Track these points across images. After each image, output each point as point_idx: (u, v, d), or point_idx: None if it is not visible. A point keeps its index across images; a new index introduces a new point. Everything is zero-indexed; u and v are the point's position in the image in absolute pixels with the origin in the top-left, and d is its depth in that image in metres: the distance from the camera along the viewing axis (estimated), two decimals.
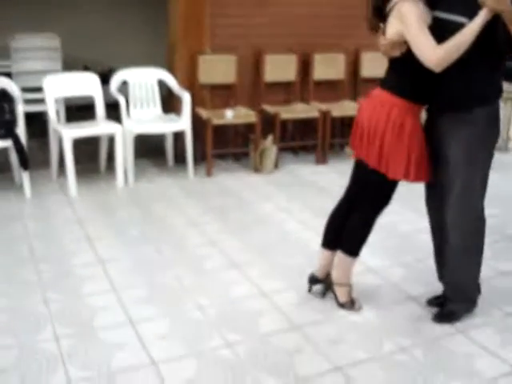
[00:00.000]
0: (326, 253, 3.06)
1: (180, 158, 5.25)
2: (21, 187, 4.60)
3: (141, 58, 6.01)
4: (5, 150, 4.64)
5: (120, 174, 4.76)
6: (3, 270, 3.41)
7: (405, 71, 2.65)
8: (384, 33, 2.67)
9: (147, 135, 5.03)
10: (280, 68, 5.49)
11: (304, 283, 3.17)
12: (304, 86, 5.67)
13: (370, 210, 2.89)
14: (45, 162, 5.04)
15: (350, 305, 3.03)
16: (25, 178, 4.49)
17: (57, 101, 5.07)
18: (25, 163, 4.42)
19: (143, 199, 4.56)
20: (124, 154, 4.74)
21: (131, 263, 3.51)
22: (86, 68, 6.53)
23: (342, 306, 3.04)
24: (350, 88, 5.83)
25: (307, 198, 4.44)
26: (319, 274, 3.11)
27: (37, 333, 2.79)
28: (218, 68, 5.29)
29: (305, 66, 5.63)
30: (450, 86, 2.63)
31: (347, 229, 2.95)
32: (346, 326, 2.90)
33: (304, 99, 5.67)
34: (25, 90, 5.28)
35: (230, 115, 5.10)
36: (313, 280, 3.14)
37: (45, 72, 5.29)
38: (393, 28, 2.60)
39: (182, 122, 4.96)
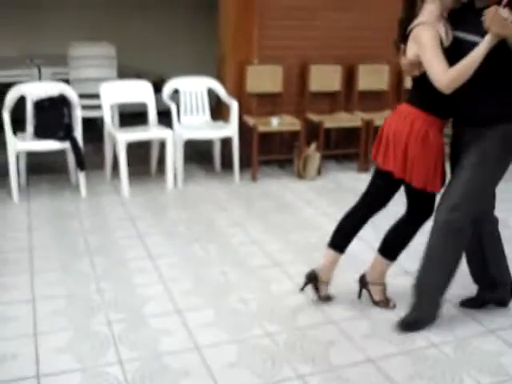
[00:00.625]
0: (333, 254, 3.13)
1: (226, 163, 5.48)
2: (77, 187, 4.90)
3: (190, 68, 6.27)
4: (62, 152, 4.95)
5: (170, 177, 5.01)
6: (62, 261, 3.68)
7: (426, 88, 2.73)
8: (404, 53, 2.80)
9: (196, 141, 5.27)
10: (325, 78, 5.67)
11: (341, 282, 3.33)
12: (348, 95, 5.85)
13: (419, 220, 3.02)
14: (99, 164, 5.32)
15: (385, 303, 3.17)
16: (81, 178, 4.78)
17: (111, 107, 5.35)
18: (81, 164, 4.71)
19: (191, 201, 4.80)
20: (174, 158, 4.99)
21: (179, 259, 3.73)
22: (138, 76, 6.77)
23: (376, 303, 3.18)
24: (394, 98, 5.96)
25: (348, 203, 4.54)
26: (322, 275, 3.15)
27: (91, 317, 3.03)
28: (265, 78, 5.51)
29: (349, 77, 5.81)
30: (471, 103, 2.73)
31: (393, 235, 3.10)
32: (380, 322, 3.05)
33: (348, 109, 5.84)
34: (81, 96, 5.59)
35: (275, 123, 5.30)
36: (311, 277, 3.17)
37: (100, 79, 5.61)
38: (411, 50, 2.73)
39: (230, 129, 5.18)
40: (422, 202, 2.98)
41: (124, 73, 6.42)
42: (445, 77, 2.58)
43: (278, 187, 5.20)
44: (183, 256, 3.77)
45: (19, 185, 4.81)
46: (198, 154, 5.74)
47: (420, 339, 2.90)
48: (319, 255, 3.73)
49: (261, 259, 3.75)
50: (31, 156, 5.10)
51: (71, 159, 4.97)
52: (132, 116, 5.86)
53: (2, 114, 4.61)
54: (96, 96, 5.33)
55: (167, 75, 5.99)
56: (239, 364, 2.67)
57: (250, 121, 5.35)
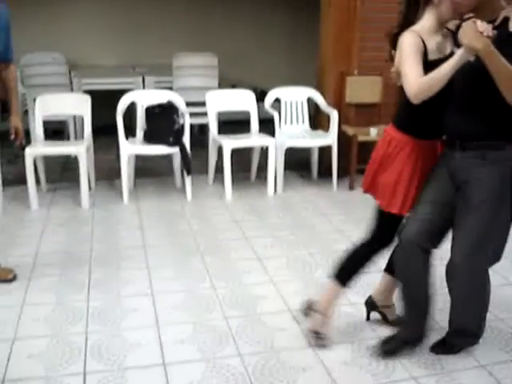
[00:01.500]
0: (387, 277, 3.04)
1: (324, 172, 5.60)
2: (181, 190, 5.15)
3: (287, 78, 6.44)
4: (168, 156, 5.20)
5: (271, 183, 5.18)
6: (175, 259, 3.89)
7: (408, 104, 2.50)
8: (393, 61, 2.65)
9: (293, 149, 5.40)
10: None
11: None
12: None
13: (376, 244, 2.86)
14: (201, 169, 5.54)
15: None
16: (187, 181, 5.01)
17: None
18: (189, 169, 4.94)
19: (291, 206, 4.94)
20: (275, 164, 5.15)
21: (286, 261, 3.87)
22: (232, 87, 7.02)
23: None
24: None
25: None
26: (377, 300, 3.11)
27: (208, 312, 3.21)
28: (364, 88, 5.59)
29: None
30: (468, 121, 2.52)
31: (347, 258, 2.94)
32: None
33: None
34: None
35: (374, 133, 5.37)
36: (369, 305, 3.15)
37: (202, 88, 5.86)
38: (396, 58, 2.58)
39: (330, 138, 5.29)
40: (382, 224, 2.81)
41: (220, 82, 6.67)
42: (414, 85, 2.41)
43: None
44: (290, 259, 3.90)
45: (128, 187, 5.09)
46: (295, 161, 5.87)
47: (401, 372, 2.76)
48: None
49: None
50: (137, 159, 5.37)
51: (177, 163, 5.22)
52: (224, 124, 6.02)
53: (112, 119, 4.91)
54: (198, 104, 5.57)
55: (262, 85, 6.18)
56: (353, 363, 2.77)
57: (349, 130, 5.44)
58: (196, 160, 5.46)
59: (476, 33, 2.21)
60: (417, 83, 2.40)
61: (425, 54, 2.48)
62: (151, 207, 4.88)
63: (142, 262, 3.81)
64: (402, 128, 2.66)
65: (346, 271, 2.89)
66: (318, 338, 2.90)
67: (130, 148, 4.94)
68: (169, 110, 5.08)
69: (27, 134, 4.61)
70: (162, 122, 4.97)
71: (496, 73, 2.28)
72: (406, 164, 2.64)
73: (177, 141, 4.93)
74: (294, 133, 5.50)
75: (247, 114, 5.47)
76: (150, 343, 2.91)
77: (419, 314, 2.80)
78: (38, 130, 5.06)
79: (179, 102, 5.18)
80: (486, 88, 2.36)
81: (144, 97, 5.27)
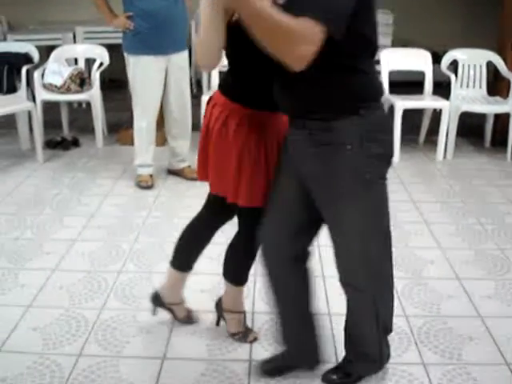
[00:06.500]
0: None
1: (498, 141, 5.33)
2: None
3: (462, 41, 6.13)
4: None
5: (441, 147, 5.04)
6: None
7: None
8: None
9: (466, 114, 5.18)
10: None
11: None
12: None
13: (245, 238, 2.39)
14: None
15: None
16: None
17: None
18: None
19: (461, 173, 4.79)
20: (447, 129, 4.99)
21: (454, 228, 3.78)
22: (403, 46, 6.75)
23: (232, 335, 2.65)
24: None
25: None
26: None
27: None
28: None
29: None
30: (292, 90, 1.90)
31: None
32: None
33: None
34: None
35: None
36: None
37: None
38: None
39: (508, 105, 5.02)
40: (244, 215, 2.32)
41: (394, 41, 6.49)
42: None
43: None
44: (459, 226, 3.81)
45: None
46: (468, 127, 5.64)
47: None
48: None
49: None
50: None
51: None
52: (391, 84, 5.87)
53: None
54: None
55: (434, 46, 5.92)
56: None
57: None
58: None
59: None
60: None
61: None
62: None
63: None
64: (224, 91, 2.19)
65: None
66: (243, 337, 2.63)
67: None
68: None
69: None
70: None
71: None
72: (244, 143, 2.14)
73: None
74: (470, 97, 5.28)
75: (416, 75, 5.32)
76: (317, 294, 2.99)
77: (293, 334, 2.34)
78: None
79: None
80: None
81: None
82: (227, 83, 2.18)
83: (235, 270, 2.50)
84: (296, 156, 2.00)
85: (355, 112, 1.85)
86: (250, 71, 2.04)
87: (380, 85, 1.98)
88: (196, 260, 2.57)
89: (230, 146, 2.10)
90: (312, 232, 2.19)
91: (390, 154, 2.02)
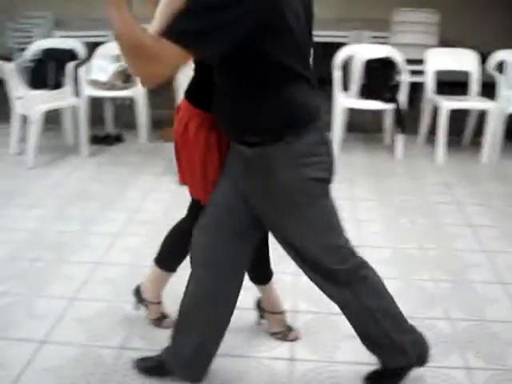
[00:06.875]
0: None
1: None
2: (390, 147, 5.10)
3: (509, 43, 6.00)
4: (377, 112, 5.16)
5: (487, 149, 4.95)
6: (382, 215, 3.92)
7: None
8: None
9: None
10: None
11: None
12: None
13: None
14: (411, 129, 5.43)
15: None
16: (399, 140, 4.96)
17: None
18: (403, 127, 4.87)
19: (506, 176, 4.70)
20: (494, 131, 4.90)
21: (500, 231, 3.71)
22: (449, 46, 6.64)
23: None
24: None
25: None
26: None
27: (416, 272, 3.20)
28: None
29: None
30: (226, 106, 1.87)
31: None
32: None
33: None
34: None
35: None
36: None
37: (420, 46, 5.68)
38: None
39: None
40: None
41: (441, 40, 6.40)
42: None
43: None
44: (505, 229, 3.74)
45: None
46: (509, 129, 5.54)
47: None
48: None
49: None
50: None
51: (388, 120, 5.17)
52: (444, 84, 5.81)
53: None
54: (413, 61, 5.41)
55: (480, 47, 5.81)
56: None
57: None
58: (410, 119, 5.38)
59: None
60: None
61: None
62: (359, 161, 4.91)
63: (351, 215, 3.88)
64: (186, 94, 2.22)
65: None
66: (284, 336, 2.64)
67: (346, 101, 4.97)
68: (387, 65, 5.02)
69: None
70: (379, 78, 4.94)
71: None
72: (206, 142, 2.16)
73: (393, 98, 4.87)
74: None
75: (461, 75, 5.23)
76: None
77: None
78: None
79: (398, 58, 5.08)
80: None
81: (363, 51, 5.24)
82: (190, 89, 2.20)
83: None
84: (234, 171, 2.00)
85: (281, 138, 1.79)
86: (209, 77, 1.96)
87: (313, 109, 1.87)
88: (181, 263, 2.54)
89: (193, 149, 2.12)
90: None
91: (328, 177, 1.94)
